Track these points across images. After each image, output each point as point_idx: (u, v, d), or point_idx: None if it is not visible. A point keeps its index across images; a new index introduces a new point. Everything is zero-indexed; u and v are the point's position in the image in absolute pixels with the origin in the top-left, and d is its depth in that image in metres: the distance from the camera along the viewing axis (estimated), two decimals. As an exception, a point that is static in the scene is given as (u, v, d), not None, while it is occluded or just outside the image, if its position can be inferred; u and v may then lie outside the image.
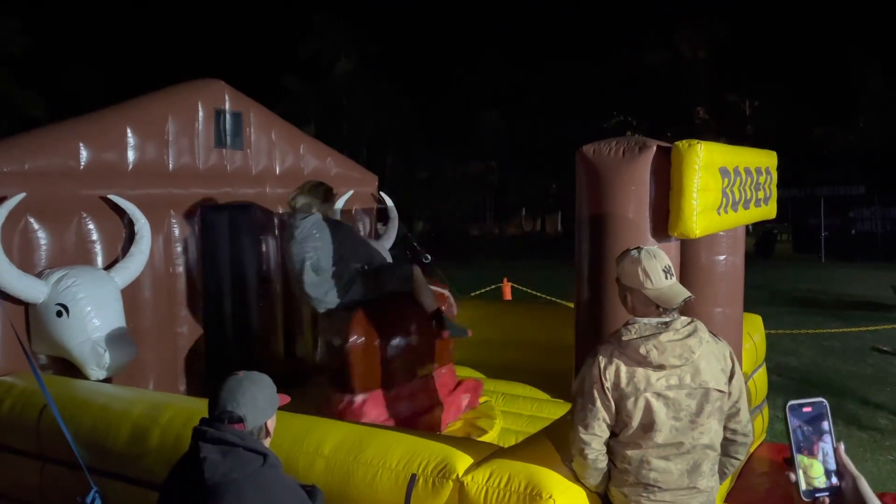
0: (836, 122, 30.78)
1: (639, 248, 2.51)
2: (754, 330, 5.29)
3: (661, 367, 2.37)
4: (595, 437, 2.43)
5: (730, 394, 2.45)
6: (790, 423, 1.38)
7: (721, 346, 2.49)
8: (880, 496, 4.04)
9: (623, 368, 2.39)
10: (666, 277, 2.43)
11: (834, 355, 9.24)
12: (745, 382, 2.66)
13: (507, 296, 10.60)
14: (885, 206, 22.80)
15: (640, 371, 2.37)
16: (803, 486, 1.36)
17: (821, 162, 25.90)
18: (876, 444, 5.95)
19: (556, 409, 4.78)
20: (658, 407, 2.36)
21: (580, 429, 2.45)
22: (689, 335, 2.38)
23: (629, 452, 2.43)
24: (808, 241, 24.00)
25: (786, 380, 7.97)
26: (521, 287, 11.47)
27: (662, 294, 2.41)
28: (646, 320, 2.42)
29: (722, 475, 2.56)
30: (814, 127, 31.05)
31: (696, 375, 2.38)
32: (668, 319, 2.42)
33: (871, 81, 28.50)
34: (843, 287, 15.61)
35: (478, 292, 11.21)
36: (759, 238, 24.51)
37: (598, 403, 2.41)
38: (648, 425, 2.38)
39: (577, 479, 2.56)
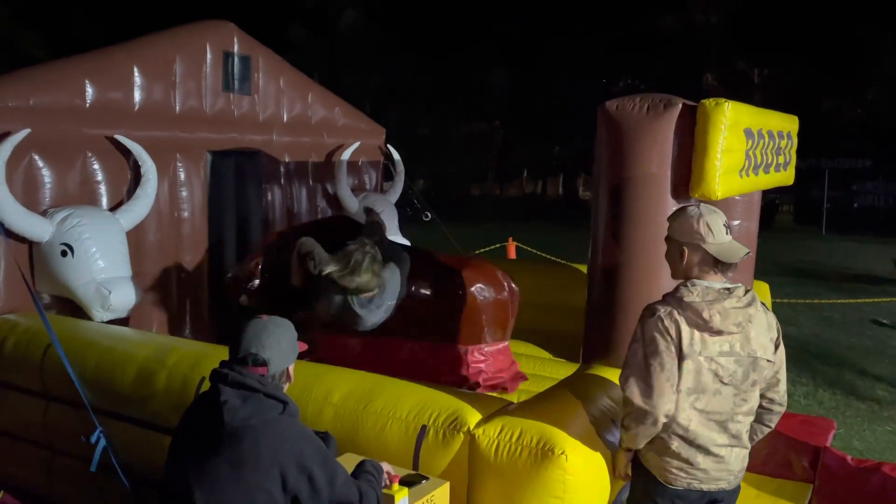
0: (845, 95, 30.41)
1: (697, 204, 2.44)
2: (762, 297, 5.25)
3: (718, 333, 2.32)
4: (666, 402, 2.28)
5: (773, 362, 2.43)
6: None
7: (770, 316, 2.45)
8: (878, 465, 4.01)
9: (685, 327, 2.32)
10: (726, 233, 2.38)
11: (833, 326, 9.25)
12: None
13: (512, 255, 10.57)
14: (888, 181, 22.68)
15: (697, 334, 2.32)
16: None
17: (828, 134, 25.66)
18: (874, 415, 5.97)
19: (557, 369, 4.76)
20: (706, 372, 2.32)
21: (649, 398, 2.28)
22: (748, 304, 2.34)
23: (676, 414, 2.33)
24: (810, 213, 23.89)
25: (785, 349, 7.96)
26: (525, 247, 11.43)
27: (723, 249, 2.35)
28: (707, 283, 2.35)
29: (751, 441, 2.53)
30: (822, 98, 30.68)
31: (746, 344, 2.35)
32: (729, 285, 2.37)
33: (884, 55, 28.09)
34: (844, 260, 15.59)
35: (481, 251, 11.16)
36: (761, 207, 24.34)
37: (668, 364, 2.29)
38: (694, 388, 2.33)
39: (589, 437, 2.54)
